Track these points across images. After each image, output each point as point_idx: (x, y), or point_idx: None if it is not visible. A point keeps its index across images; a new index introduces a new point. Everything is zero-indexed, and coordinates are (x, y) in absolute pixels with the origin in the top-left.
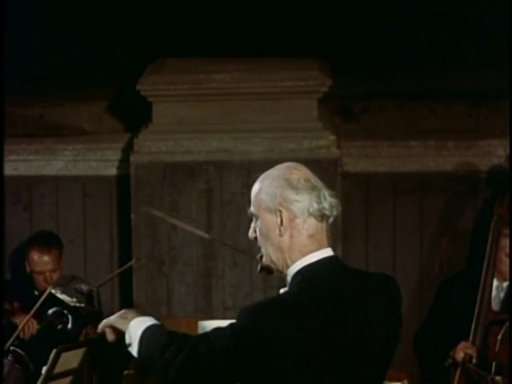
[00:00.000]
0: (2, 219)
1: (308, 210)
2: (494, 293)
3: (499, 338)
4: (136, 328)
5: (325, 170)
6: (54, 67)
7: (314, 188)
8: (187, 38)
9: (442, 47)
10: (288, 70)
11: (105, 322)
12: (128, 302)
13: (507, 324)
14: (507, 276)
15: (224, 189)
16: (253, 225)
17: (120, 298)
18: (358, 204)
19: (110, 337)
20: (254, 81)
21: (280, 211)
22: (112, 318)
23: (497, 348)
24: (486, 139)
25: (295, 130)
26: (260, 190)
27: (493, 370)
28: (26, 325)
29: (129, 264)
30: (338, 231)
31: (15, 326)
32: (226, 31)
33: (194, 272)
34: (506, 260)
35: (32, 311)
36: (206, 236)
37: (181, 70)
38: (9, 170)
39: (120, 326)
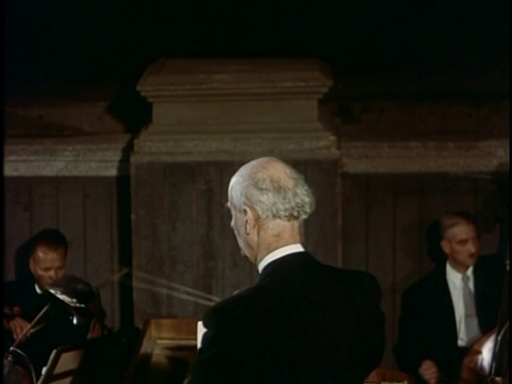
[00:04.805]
0: (2, 220)
1: (271, 210)
2: (461, 285)
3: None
4: None
5: (325, 171)
6: (53, 67)
7: (279, 189)
8: (187, 38)
9: (442, 47)
10: (288, 71)
11: None
12: (128, 302)
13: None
14: (468, 263)
15: (224, 189)
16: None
17: (120, 298)
18: (358, 205)
19: None
20: (254, 81)
21: (245, 210)
22: None
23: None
24: (486, 140)
25: (295, 130)
26: (232, 186)
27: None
28: (20, 327)
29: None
30: (338, 231)
31: (9, 331)
32: (226, 31)
33: (194, 272)
34: (461, 247)
35: (33, 322)
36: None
37: (181, 71)
38: (9, 171)
39: None
